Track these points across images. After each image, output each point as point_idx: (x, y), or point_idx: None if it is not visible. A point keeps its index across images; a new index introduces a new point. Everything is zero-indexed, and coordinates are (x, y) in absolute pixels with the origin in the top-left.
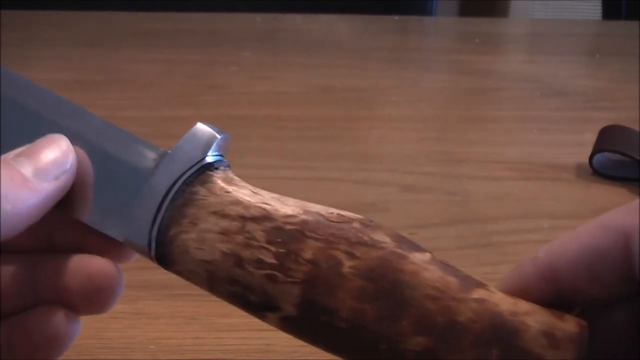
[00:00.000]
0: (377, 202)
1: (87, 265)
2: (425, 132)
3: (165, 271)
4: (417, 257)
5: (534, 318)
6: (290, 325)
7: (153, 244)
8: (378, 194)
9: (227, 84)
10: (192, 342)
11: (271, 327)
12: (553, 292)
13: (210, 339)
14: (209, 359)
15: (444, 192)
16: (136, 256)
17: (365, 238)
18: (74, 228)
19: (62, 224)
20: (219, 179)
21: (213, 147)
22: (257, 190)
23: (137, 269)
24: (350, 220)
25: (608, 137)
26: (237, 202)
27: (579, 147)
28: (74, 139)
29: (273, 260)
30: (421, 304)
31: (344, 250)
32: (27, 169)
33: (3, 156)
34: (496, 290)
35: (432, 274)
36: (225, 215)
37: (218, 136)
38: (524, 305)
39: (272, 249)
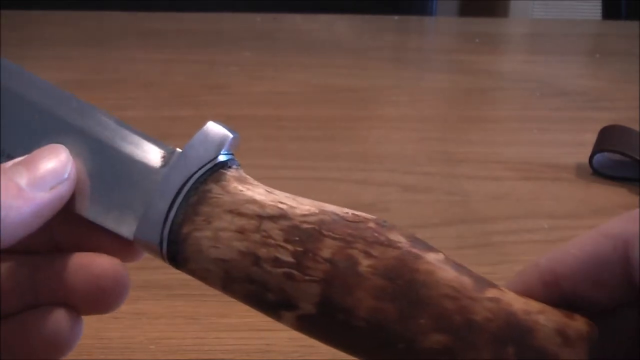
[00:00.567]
0: (377, 202)
1: (92, 263)
2: (425, 132)
3: (165, 271)
4: (432, 257)
5: (546, 317)
6: (307, 324)
7: (165, 243)
8: (378, 194)
9: (227, 84)
10: (192, 342)
11: (271, 327)
12: (555, 297)
13: (210, 339)
14: (209, 359)
15: (444, 192)
16: (144, 256)
17: (382, 238)
18: (78, 228)
19: (65, 224)
20: (232, 178)
21: (226, 146)
22: (271, 189)
23: (137, 269)
24: (365, 220)
25: (608, 137)
26: (253, 201)
27: (579, 147)
28: (81, 135)
29: (291, 259)
30: (438, 302)
31: (361, 249)
32: (22, 179)
33: (1, 165)
34: (507, 290)
35: (448, 274)
36: (240, 214)
37: (231, 135)
38: (535, 305)
39: (290, 247)
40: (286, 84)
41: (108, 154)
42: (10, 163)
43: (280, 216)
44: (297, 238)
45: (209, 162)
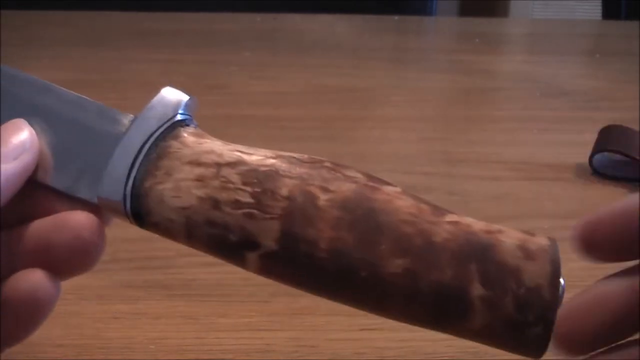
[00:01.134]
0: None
1: (67, 219)
2: (425, 132)
3: (165, 271)
4: (389, 188)
5: (506, 234)
6: (270, 262)
7: (128, 199)
8: None
9: (227, 84)
10: (192, 342)
11: (271, 327)
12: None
13: (210, 339)
14: (209, 359)
15: (444, 192)
16: (112, 221)
17: (338, 174)
18: (46, 200)
19: (32, 197)
20: (191, 134)
21: (182, 107)
22: (229, 143)
23: (137, 269)
24: (322, 161)
25: (608, 137)
26: (211, 151)
27: (579, 147)
28: (42, 112)
29: (250, 200)
30: (397, 227)
31: (318, 185)
32: None
33: None
34: (467, 217)
35: (405, 202)
36: (199, 164)
37: (187, 96)
38: (495, 226)
39: (249, 189)
40: (286, 84)
41: (70, 127)
42: None
43: (238, 162)
44: (255, 180)
45: (167, 121)
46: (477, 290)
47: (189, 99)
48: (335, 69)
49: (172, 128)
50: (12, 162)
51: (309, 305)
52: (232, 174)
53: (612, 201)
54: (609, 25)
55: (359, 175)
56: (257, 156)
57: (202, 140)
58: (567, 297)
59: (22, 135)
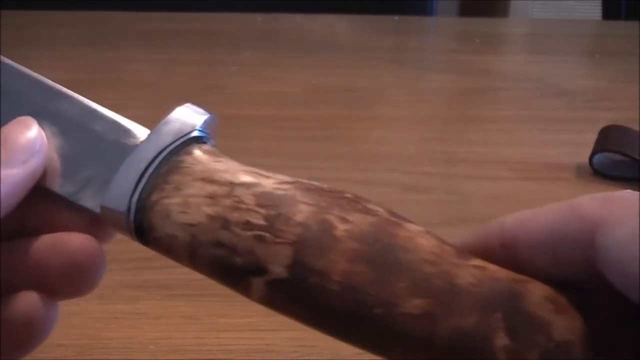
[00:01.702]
0: (377, 202)
1: (66, 241)
2: (425, 132)
3: (165, 271)
4: (412, 226)
5: (535, 285)
6: (277, 290)
7: (132, 211)
8: (378, 194)
9: (227, 84)
10: (192, 342)
11: (271, 328)
12: (510, 260)
13: (210, 339)
14: (209, 359)
15: (444, 192)
16: (114, 236)
17: (359, 206)
18: (46, 209)
19: (33, 205)
20: (206, 152)
21: (201, 123)
22: (245, 165)
23: (137, 269)
24: (342, 192)
25: (608, 137)
26: (225, 170)
27: (579, 147)
28: (53, 116)
29: (262, 222)
30: (418, 267)
31: (336, 215)
32: None
33: None
34: (492, 264)
35: (428, 241)
36: (212, 181)
37: (207, 114)
38: (523, 276)
39: (262, 211)
40: (286, 84)
41: (81, 134)
42: None
43: (253, 184)
44: (269, 203)
45: (182, 137)
46: (501, 340)
47: (209, 116)
48: (335, 69)
49: (187, 144)
50: (20, 167)
51: None
52: (246, 195)
53: None
54: (609, 25)
55: (380, 210)
56: (274, 179)
57: (217, 159)
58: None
59: (31, 134)
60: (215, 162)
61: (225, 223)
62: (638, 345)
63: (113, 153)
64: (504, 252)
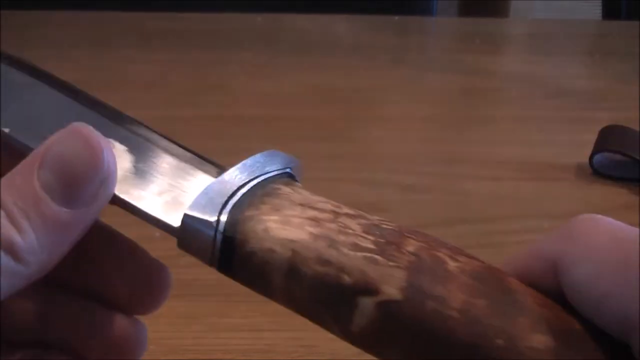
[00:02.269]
0: (377, 202)
1: (107, 326)
2: (425, 132)
3: None
4: (515, 279)
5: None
6: (389, 311)
7: (222, 223)
8: (378, 194)
9: (227, 84)
10: (192, 342)
11: (272, 328)
12: None
13: (210, 339)
14: (209, 359)
15: (444, 192)
16: (161, 303)
17: (463, 252)
18: (98, 265)
19: (83, 261)
20: (302, 188)
21: (293, 163)
22: None
23: None
24: (443, 240)
25: (608, 137)
26: (327, 202)
27: (579, 147)
28: (126, 134)
29: (372, 246)
30: (535, 307)
31: (446, 253)
32: (55, 196)
33: (4, 178)
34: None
35: (536, 293)
36: (314, 208)
37: (296, 160)
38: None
39: (371, 237)
40: (286, 84)
41: (156, 157)
42: (26, 168)
43: (358, 216)
44: (377, 232)
45: (278, 170)
46: None
47: (297, 163)
48: (335, 69)
49: (282, 176)
50: (89, 206)
51: None
52: (351, 223)
53: (612, 201)
54: (609, 25)
55: (480, 259)
56: (377, 217)
57: (315, 195)
58: None
59: (95, 152)
60: (313, 195)
61: (332, 242)
62: None
63: (192, 181)
64: None
